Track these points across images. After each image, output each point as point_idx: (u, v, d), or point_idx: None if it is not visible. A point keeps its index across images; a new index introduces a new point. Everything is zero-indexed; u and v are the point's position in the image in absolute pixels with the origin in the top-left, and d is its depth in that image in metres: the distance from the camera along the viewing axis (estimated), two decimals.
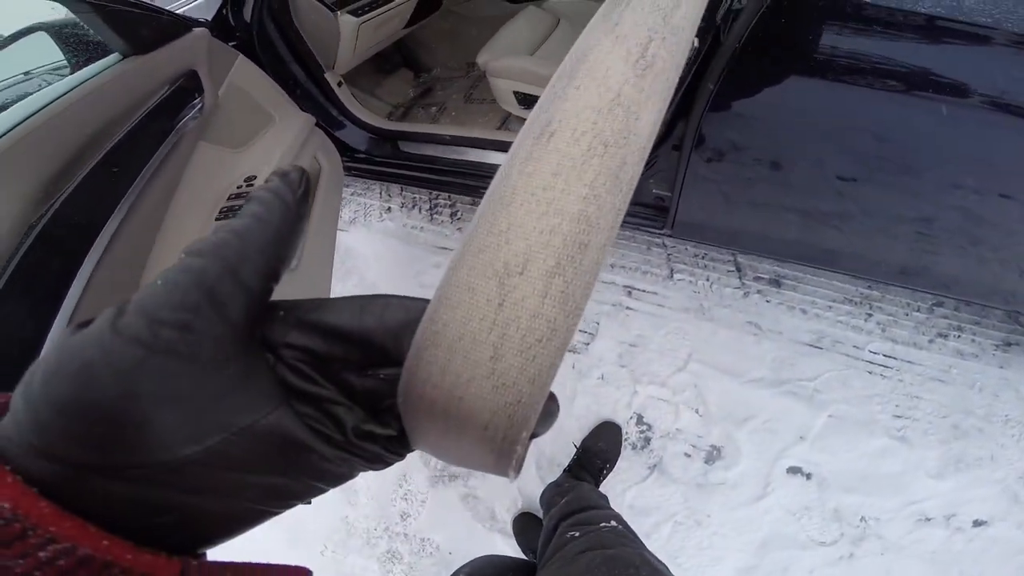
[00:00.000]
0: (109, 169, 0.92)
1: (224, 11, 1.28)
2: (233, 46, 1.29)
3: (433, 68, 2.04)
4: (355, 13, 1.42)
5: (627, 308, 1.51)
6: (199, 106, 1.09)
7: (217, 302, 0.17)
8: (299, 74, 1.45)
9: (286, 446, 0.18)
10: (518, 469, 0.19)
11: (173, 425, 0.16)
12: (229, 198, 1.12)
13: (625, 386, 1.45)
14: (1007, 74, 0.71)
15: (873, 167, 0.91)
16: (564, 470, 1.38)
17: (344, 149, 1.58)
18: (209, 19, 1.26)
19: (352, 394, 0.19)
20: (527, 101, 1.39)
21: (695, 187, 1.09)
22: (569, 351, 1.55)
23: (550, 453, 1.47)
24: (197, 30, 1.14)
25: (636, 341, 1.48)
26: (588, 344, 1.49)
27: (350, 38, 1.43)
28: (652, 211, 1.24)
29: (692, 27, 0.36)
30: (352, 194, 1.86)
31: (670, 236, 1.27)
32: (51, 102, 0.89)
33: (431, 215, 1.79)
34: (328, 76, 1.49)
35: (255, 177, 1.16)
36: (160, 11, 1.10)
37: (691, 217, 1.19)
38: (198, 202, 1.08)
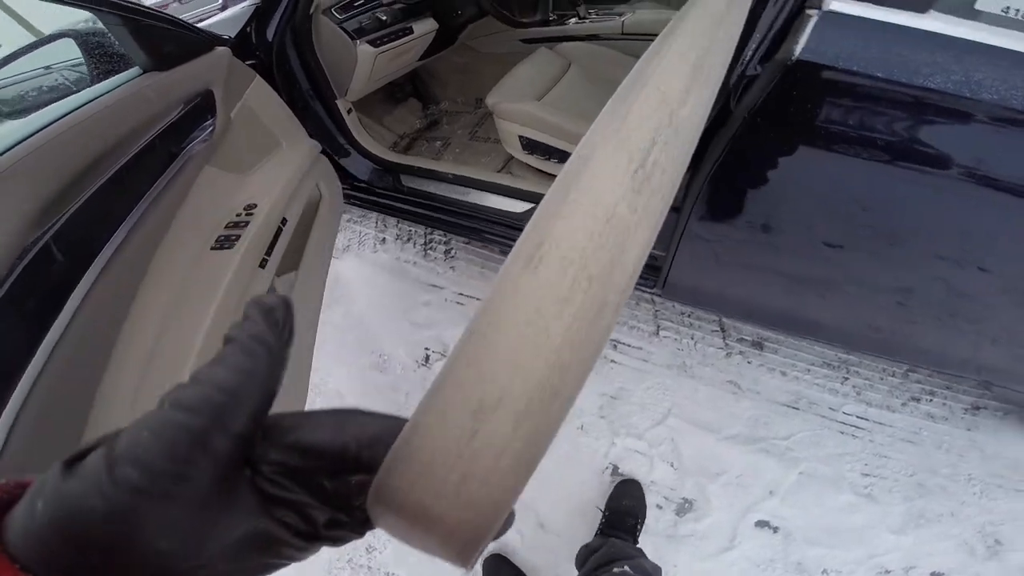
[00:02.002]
0: (114, 190, 0.89)
1: (248, 29, 1.28)
2: (251, 65, 1.29)
3: (442, 101, 2.05)
4: (374, 43, 1.43)
5: (612, 361, 1.51)
6: (210, 129, 1.08)
7: (210, 452, 0.18)
8: (311, 98, 1.45)
9: (265, 544, 0.21)
10: (473, 565, 0.20)
11: (172, 550, 0.18)
12: (227, 226, 1.10)
13: (604, 437, 1.44)
14: (1002, 151, 0.72)
15: (860, 236, 0.92)
16: (596, 534, 1.35)
17: (346, 176, 1.57)
18: (232, 36, 1.26)
19: (324, 496, 0.21)
20: (532, 146, 1.40)
21: (690, 250, 1.10)
22: None
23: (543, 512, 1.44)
24: (220, 49, 1.14)
25: (618, 394, 1.48)
26: None
27: (366, 67, 1.44)
28: (644, 269, 1.26)
29: (697, 127, 0.37)
30: (349, 220, 1.85)
31: (660, 296, 1.28)
32: (63, 116, 0.86)
33: (425, 251, 1.78)
34: (339, 103, 1.50)
35: (255, 206, 1.14)
36: (190, 28, 1.10)
37: (683, 279, 1.19)
38: (195, 229, 1.05)
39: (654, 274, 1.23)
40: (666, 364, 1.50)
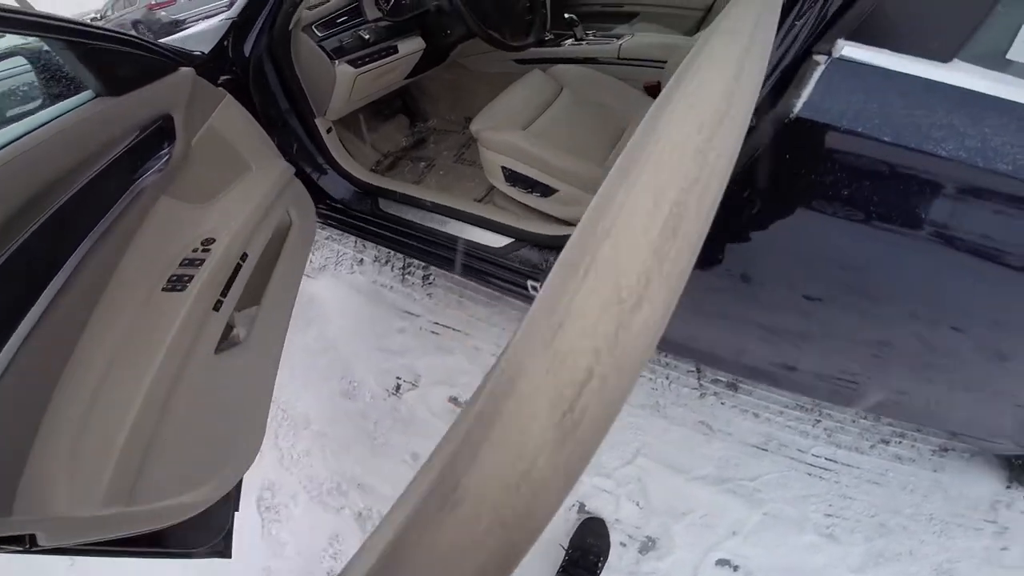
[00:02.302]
0: (60, 225, 0.81)
1: (224, 43, 1.19)
2: (227, 79, 1.20)
3: (431, 118, 1.95)
4: (354, 63, 1.34)
5: None
6: (166, 158, 1.00)
7: None
8: (290, 116, 1.36)
9: None
10: None
11: None
12: (181, 263, 1.02)
13: None
14: (996, 223, 0.66)
15: (842, 295, 0.88)
16: (558, 571, 1.33)
17: (324, 197, 1.49)
18: (207, 50, 1.17)
19: None
20: (514, 178, 1.33)
21: None
22: None
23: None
24: (183, 70, 1.04)
25: None
26: None
27: (346, 88, 1.34)
28: None
29: (727, 170, 0.30)
30: (327, 238, 1.76)
31: None
32: (6, 144, 0.78)
33: (403, 275, 1.71)
34: (319, 121, 1.41)
35: (213, 241, 1.06)
36: (149, 48, 1.00)
37: None
38: (147, 267, 0.97)
39: None
40: (640, 404, 1.46)
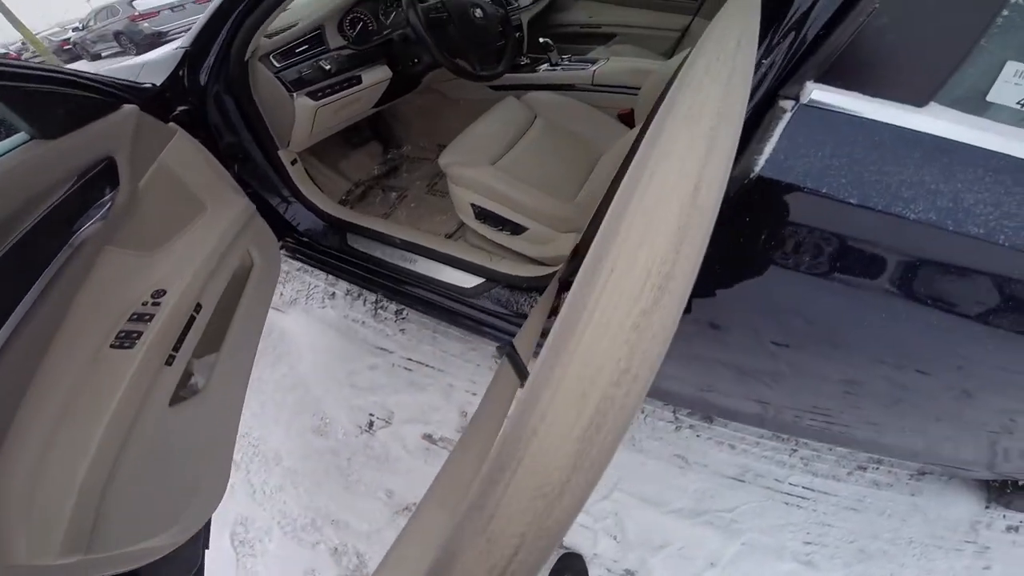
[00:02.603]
0: None
1: (180, 72, 1.11)
2: (184, 110, 1.12)
3: (404, 145, 1.86)
4: (314, 96, 1.26)
5: None
6: (108, 205, 0.92)
7: None
8: (251, 147, 1.28)
9: None
10: None
11: None
12: (130, 319, 0.94)
13: None
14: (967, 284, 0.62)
15: (806, 339, 0.84)
16: None
17: (290, 229, 1.42)
18: (159, 81, 1.09)
19: None
20: (484, 215, 1.27)
21: None
22: None
23: None
24: (126, 108, 0.96)
25: None
26: None
27: (306, 120, 1.27)
28: None
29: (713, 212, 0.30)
30: (299, 270, 1.68)
31: None
32: None
33: (375, 310, 1.64)
34: (282, 153, 1.33)
35: (164, 292, 0.98)
36: (86, 84, 0.92)
37: None
38: (91, 326, 0.90)
39: None
40: None
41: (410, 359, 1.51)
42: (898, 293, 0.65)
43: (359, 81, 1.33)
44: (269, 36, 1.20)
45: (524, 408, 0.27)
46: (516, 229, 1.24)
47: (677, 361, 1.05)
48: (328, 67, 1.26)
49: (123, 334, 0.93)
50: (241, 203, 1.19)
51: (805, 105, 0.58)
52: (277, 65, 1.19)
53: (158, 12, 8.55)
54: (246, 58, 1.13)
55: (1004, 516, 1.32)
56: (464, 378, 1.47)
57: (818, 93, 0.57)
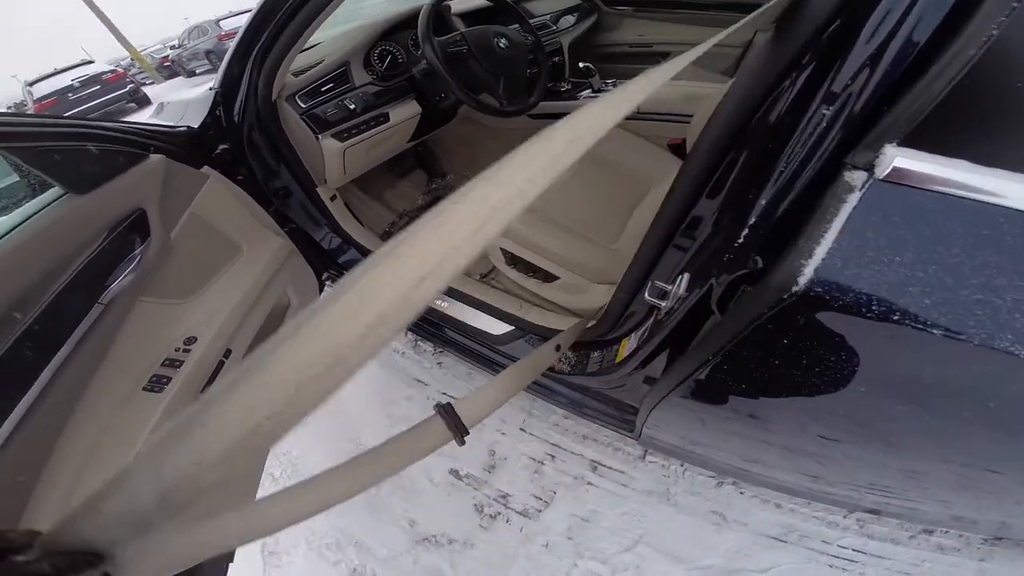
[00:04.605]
0: (22, 349, 0.67)
1: (217, 112, 1.00)
2: (225, 149, 1.02)
3: (448, 174, 1.68)
4: (340, 136, 1.10)
5: (588, 483, 1.21)
6: (138, 258, 0.81)
7: None
8: (291, 184, 1.16)
9: None
10: None
11: None
12: (162, 364, 0.85)
13: (567, 558, 1.16)
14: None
15: (860, 438, 0.58)
16: None
17: (333, 262, 1.29)
18: (196, 124, 0.99)
19: None
20: (514, 261, 1.07)
21: (666, 417, 0.77)
22: (521, 515, 1.24)
23: None
24: (153, 158, 0.86)
25: (589, 516, 1.18)
26: (540, 511, 1.20)
27: (336, 161, 1.12)
28: (618, 420, 0.93)
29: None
30: None
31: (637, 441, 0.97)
32: None
33: (415, 341, 1.50)
34: (320, 190, 1.20)
35: (195, 339, 0.88)
36: (114, 136, 0.81)
37: (658, 437, 0.87)
38: (124, 371, 0.83)
39: (628, 424, 0.92)
40: (647, 491, 1.19)
41: (445, 393, 1.36)
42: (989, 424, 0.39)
43: (387, 119, 1.16)
44: (296, 75, 1.06)
45: None
46: (547, 277, 1.03)
47: (715, 433, 0.82)
48: (353, 107, 1.10)
49: (155, 378, 0.85)
50: (277, 243, 1.08)
51: (882, 179, 0.33)
52: (303, 105, 1.05)
53: None
54: (274, 98, 0.99)
55: None
56: (495, 417, 1.30)
57: (903, 160, 0.32)
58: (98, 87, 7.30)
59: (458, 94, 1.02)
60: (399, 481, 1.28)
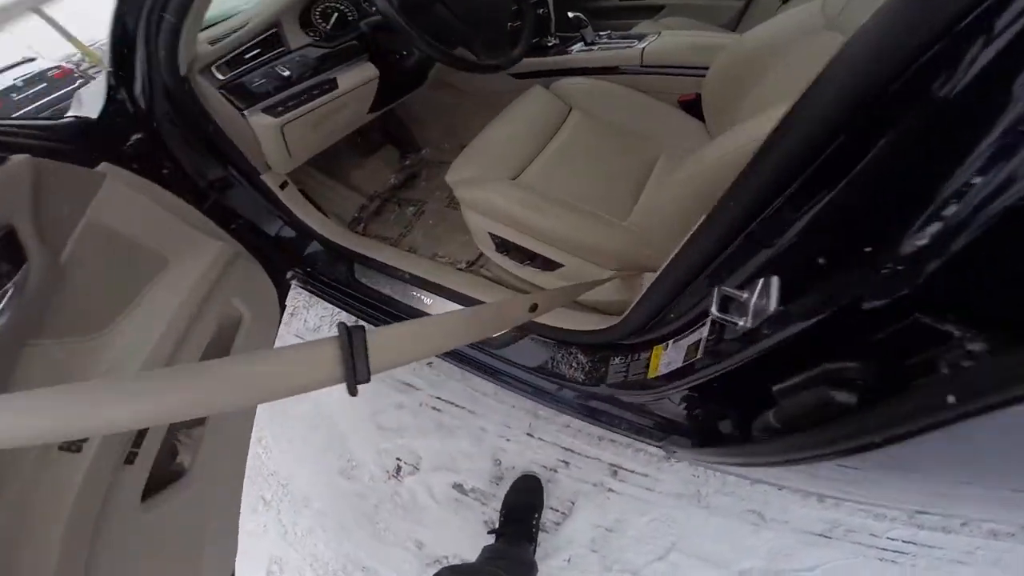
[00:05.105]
0: None
1: (119, 96, 0.76)
2: (139, 140, 0.79)
3: (422, 148, 1.40)
4: (272, 111, 0.85)
5: (609, 489, 1.05)
6: (10, 292, 0.60)
7: None
8: (229, 174, 0.93)
9: None
10: None
11: None
12: None
13: (592, 572, 1.03)
14: None
15: None
16: (496, 536, 1.01)
17: (295, 259, 1.08)
18: (95, 114, 0.75)
19: None
20: (506, 247, 0.86)
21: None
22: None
23: None
24: (14, 159, 0.62)
25: (614, 526, 1.04)
26: (559, 524, 1.05)
27: (273, 140, 0.88)
28: (641, 424, 0.75)
29: None
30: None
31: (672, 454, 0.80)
32: None
33: None
34: (265, 178, 0.97)
35: None
36: None
37: (706, 460, 0.70)
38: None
39: (651, 434, 0.74)
40: (675, 493, 1.04)
41: (439, 398, 1.18)
42: None
43: (334, 86, 0.90)
44: (212, 43, 0.80)
45: None
46: (547, 264, 0.82)
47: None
48: (287, 73, 0.84)
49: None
50: (215, 248, 0.85)
51: None
52: (221, 77, 0.79)
53: None
54: (183, 72, 0.74)
55: None
56: (497, 421, 1.13)
57: None
58: (44, 85, 6.65)
59: (423, 46, 0.77)
60: (399, 499, 1.13)
